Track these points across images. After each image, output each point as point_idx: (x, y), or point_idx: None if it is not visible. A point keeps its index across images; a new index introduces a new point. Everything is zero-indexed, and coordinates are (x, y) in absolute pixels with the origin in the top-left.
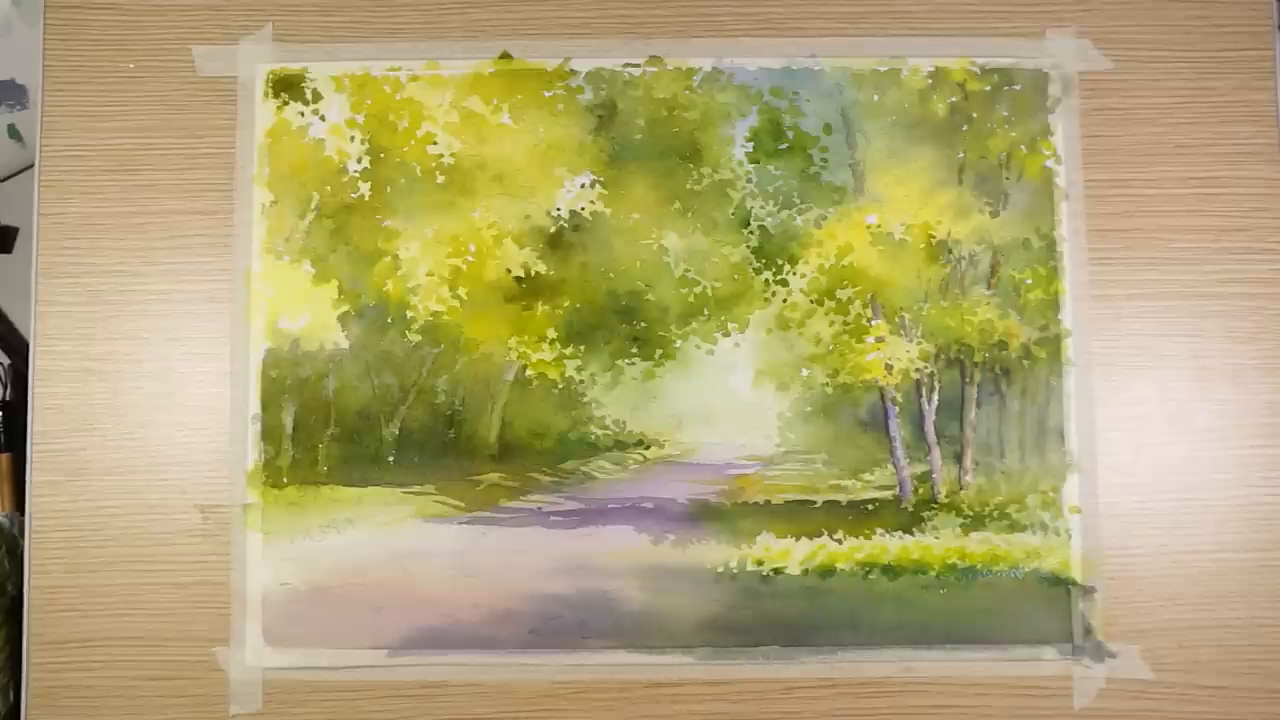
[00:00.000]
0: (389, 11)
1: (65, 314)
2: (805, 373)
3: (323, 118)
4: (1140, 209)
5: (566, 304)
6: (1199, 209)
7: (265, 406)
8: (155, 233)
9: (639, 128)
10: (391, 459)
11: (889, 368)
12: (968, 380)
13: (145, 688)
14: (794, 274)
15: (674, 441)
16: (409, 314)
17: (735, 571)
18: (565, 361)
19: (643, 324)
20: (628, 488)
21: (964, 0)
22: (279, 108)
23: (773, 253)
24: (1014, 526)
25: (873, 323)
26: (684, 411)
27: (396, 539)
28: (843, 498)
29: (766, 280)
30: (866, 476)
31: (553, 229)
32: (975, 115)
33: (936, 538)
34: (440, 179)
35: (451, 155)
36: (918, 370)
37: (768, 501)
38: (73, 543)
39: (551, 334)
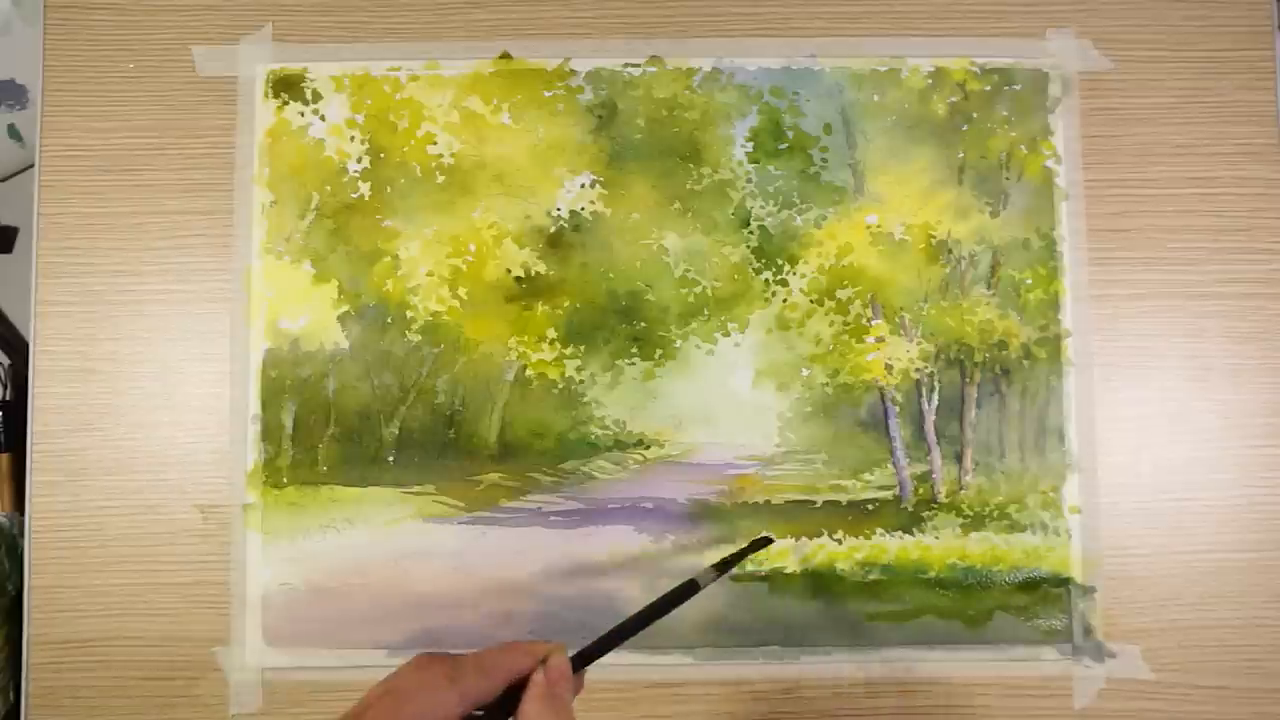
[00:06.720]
0: (389, 11)
1: (65, 314)
2: (805, 373)
3: (323, 118)
4: (1140, 209)
5: (566, 304)
6: (1198, 209)
7: (265, 406)
8: (155, 233)
9: (639, 128)
10: (391, 459)
11: (889, 368)
12: (968, 380)
13: (145, 688)
14: (794, 274)
15: (674, 441)
16: (409, 314)
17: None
18: (565, 361)
19: (643, 324)
20: (628, 488)
21: (964, 0)
22: (279, 108)
23: (773, 253)
24: (1014, 526)
25: (873, 323)
26: (684, 411)
27: (396, 539)
28: (843, 498)
29: (766, 280)
30: (866, 476)
31: (553, 229)
32: (975, 115)
33: (936, 538)
34: (440, 179)
35: (451, 155)
36: (918, 370)
37: (768, 501)
38: (73, 543)
39: (551, 334)
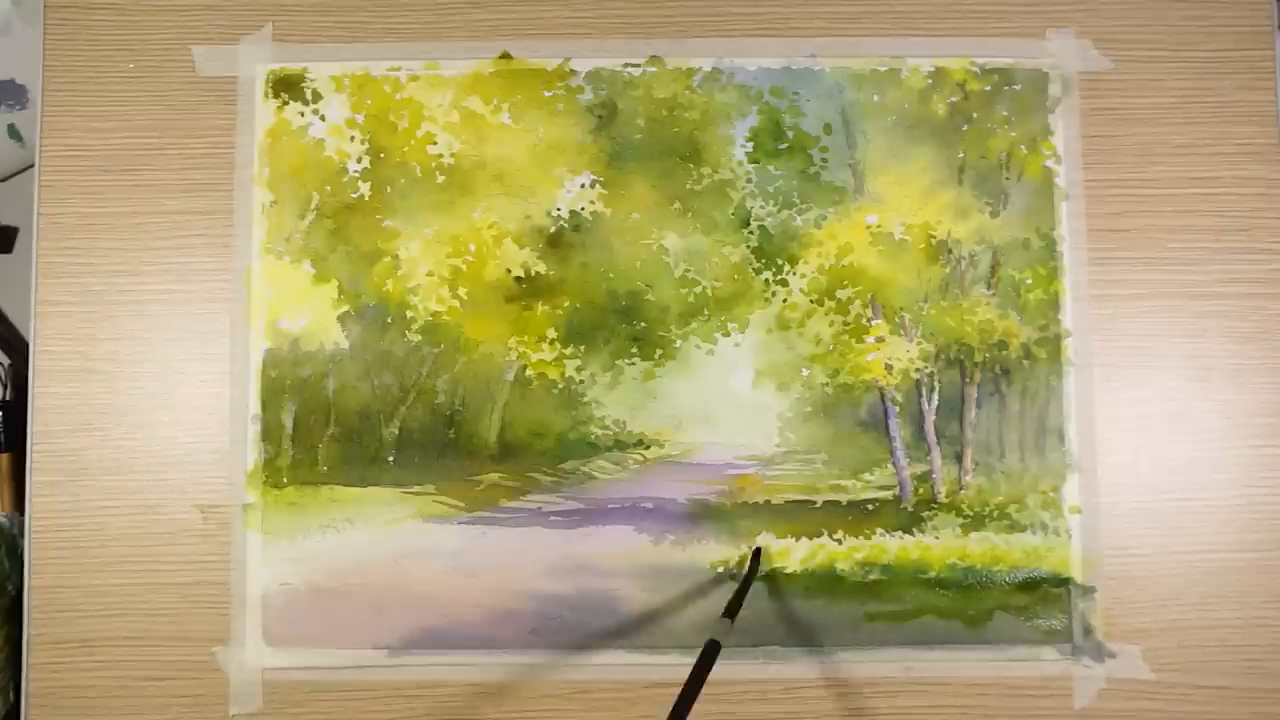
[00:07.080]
0: (389, 11)
1: (65, 314)
2: (805, 373)
3: (323, 118)
4: (1140, 209)
5: (566, 304)
6: (1199, 209)
7: (265, 406)
8: (155, 233)
9: (639, 128)
10: (391, 459)
11: (889, 368)
12: (968, 380)
13: (145, 688)
14: (794, 274)
15: (674, 441)
16: (409, 314)
17: (735, 571)
18: (565, 361)
19: (643, 324)
20: (628, 488)
21: (964, 0)
22: (279, 108)
23: (773, 253)
24: (1014, 526)
25: (873, 323)
26: (684, 411)
27: (396, 539)
28: (843, 498)
29: (766, 280)
30: (866, 476)
31: (553, 229)
32: (975, 115)
33: (936, 538)
34: (440, 179)
35: (451, 155)
36: (918, 370)
37: (768, 501)
38: (73, 543)
39: (551, 334)
